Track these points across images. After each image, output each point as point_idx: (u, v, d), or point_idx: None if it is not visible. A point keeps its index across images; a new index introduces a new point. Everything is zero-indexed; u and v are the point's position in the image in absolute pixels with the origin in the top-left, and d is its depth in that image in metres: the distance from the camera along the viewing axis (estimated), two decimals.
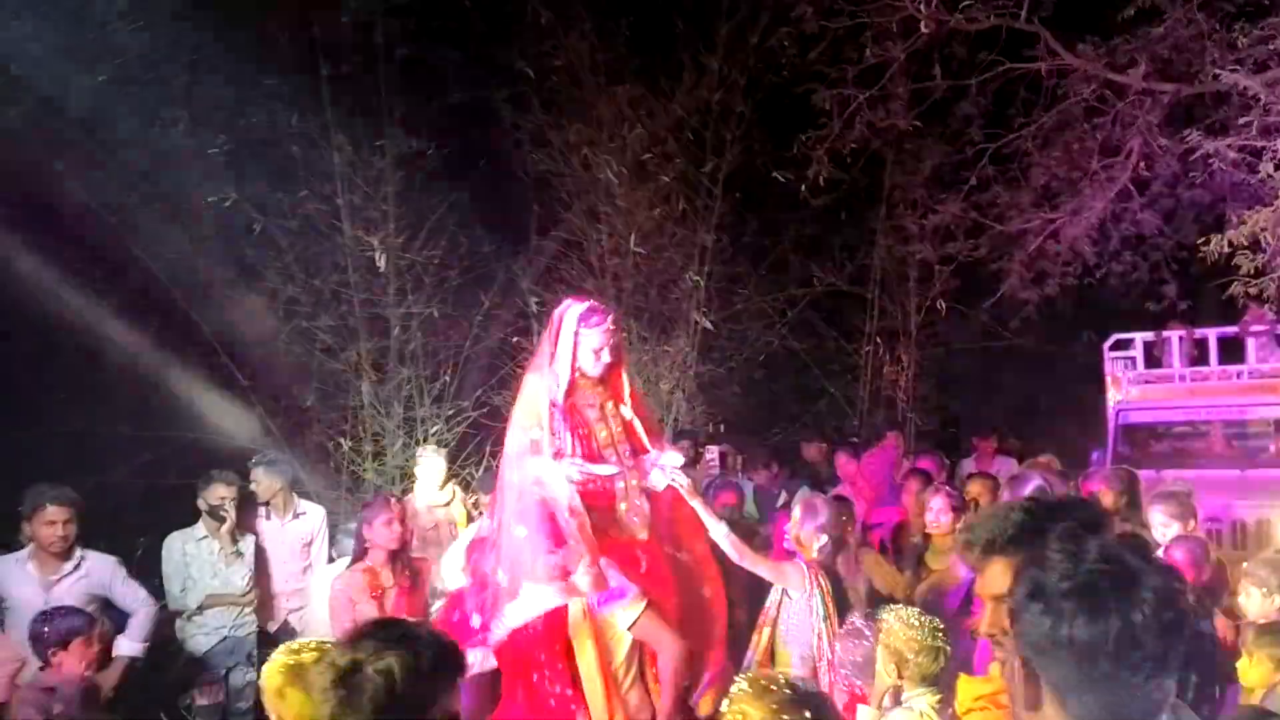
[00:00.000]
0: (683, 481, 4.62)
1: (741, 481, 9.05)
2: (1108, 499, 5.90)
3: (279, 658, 3.18)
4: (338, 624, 5.00)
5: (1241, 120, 7.88)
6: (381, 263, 9.20)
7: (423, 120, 9.39)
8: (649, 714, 4.38)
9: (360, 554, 5.24)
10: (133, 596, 5.57)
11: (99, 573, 5.50)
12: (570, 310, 4.52)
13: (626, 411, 4.64)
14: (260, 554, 6.40)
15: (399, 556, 5.21)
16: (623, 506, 4.51)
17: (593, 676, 4.23)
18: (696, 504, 4.69)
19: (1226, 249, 7.93)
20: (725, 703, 2.91)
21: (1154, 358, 10.12)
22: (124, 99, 7.86)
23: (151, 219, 8.32)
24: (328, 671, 2.28)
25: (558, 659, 4.30)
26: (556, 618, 4.29)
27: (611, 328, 4.52)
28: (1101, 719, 1.50)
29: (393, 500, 5.61)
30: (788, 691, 2.84)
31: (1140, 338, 10.16)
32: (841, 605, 4.84)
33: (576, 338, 4.46)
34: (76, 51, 7.58)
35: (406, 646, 2.30)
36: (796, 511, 5.13)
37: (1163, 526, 5.37)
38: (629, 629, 4.30)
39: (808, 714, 2.72)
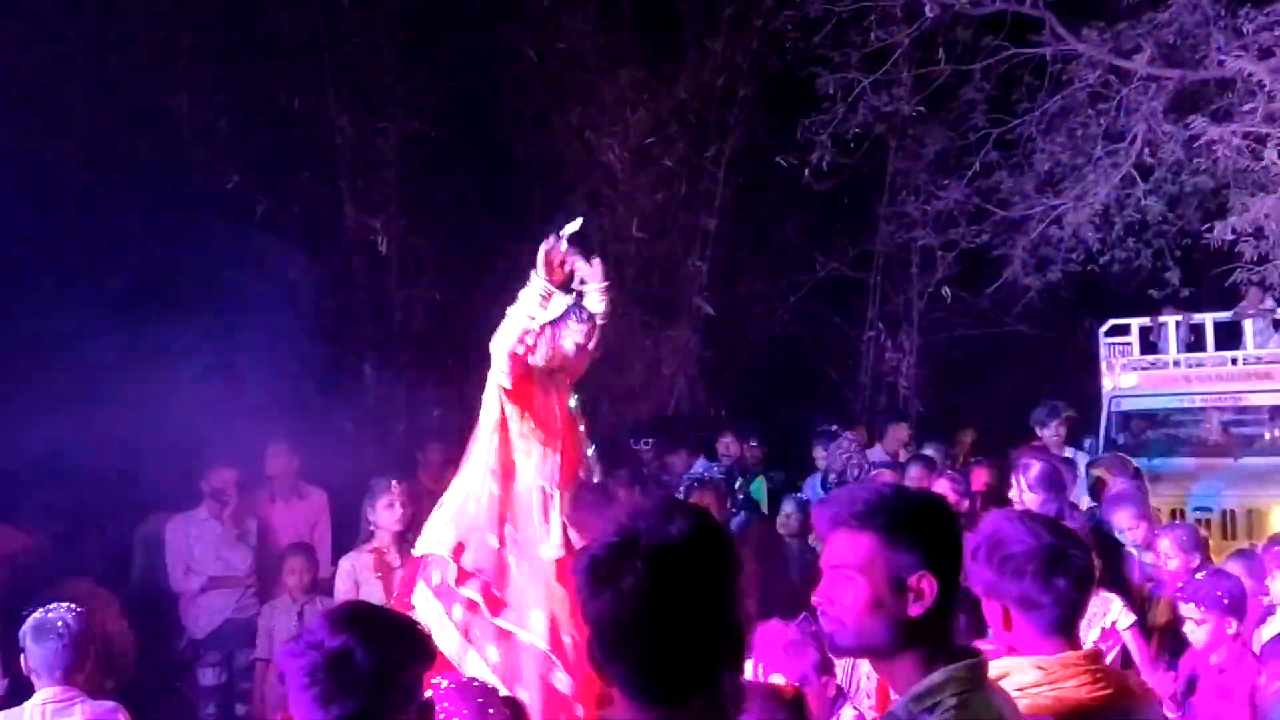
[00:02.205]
0: None
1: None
2: (1115, 486, 5.90)
3: None
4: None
5: (1246, 107, 7.85)
6: (384, 246, 9.20)
7: (425, 103, 9.35)
8: None
9: (367, 535, 5.31)
10: None
11: None
12: None
13: None
14: (263, 537, 6.41)
15: (404, 537, 5.25)
16: None
17: None
18: None
19: (1230, 236, 7.92)
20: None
21: (1150, 343, 10.00)
22: (127, 80, 7.84)
23: (153, 200, 8.29)
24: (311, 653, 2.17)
25: None
26: None
27: None
28: (628, 689, 1.59)
29: (394, 483, 5.62)
30: (492, 691, 3.01)
31: (1136, 323, 10.04)
32: None
33: None
34: (78, 33, 7.55)
35: (393, 633, 2.25)
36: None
37: (1130, 530, 5.37)
38: None
39: (509, 713, 2.84)
